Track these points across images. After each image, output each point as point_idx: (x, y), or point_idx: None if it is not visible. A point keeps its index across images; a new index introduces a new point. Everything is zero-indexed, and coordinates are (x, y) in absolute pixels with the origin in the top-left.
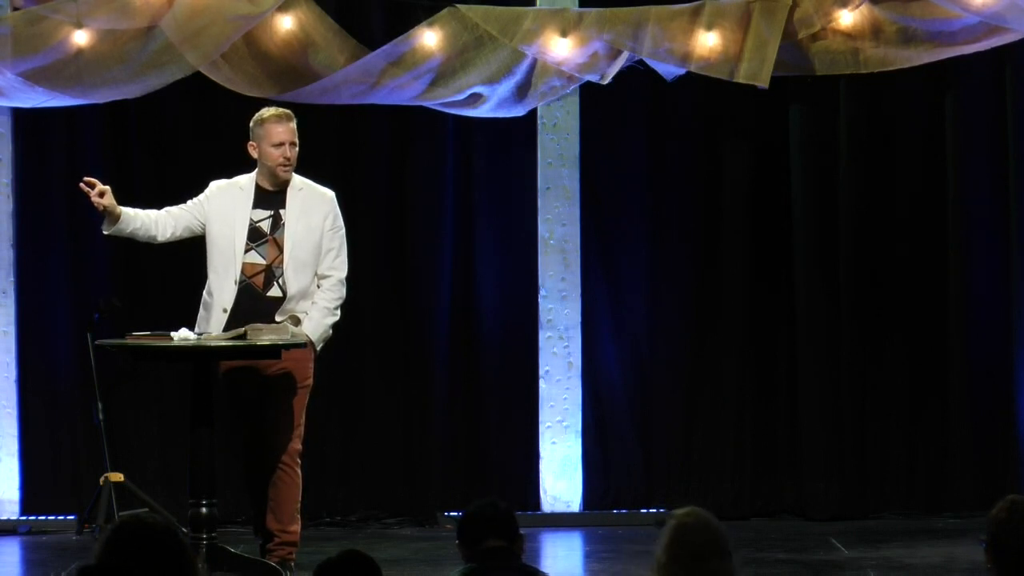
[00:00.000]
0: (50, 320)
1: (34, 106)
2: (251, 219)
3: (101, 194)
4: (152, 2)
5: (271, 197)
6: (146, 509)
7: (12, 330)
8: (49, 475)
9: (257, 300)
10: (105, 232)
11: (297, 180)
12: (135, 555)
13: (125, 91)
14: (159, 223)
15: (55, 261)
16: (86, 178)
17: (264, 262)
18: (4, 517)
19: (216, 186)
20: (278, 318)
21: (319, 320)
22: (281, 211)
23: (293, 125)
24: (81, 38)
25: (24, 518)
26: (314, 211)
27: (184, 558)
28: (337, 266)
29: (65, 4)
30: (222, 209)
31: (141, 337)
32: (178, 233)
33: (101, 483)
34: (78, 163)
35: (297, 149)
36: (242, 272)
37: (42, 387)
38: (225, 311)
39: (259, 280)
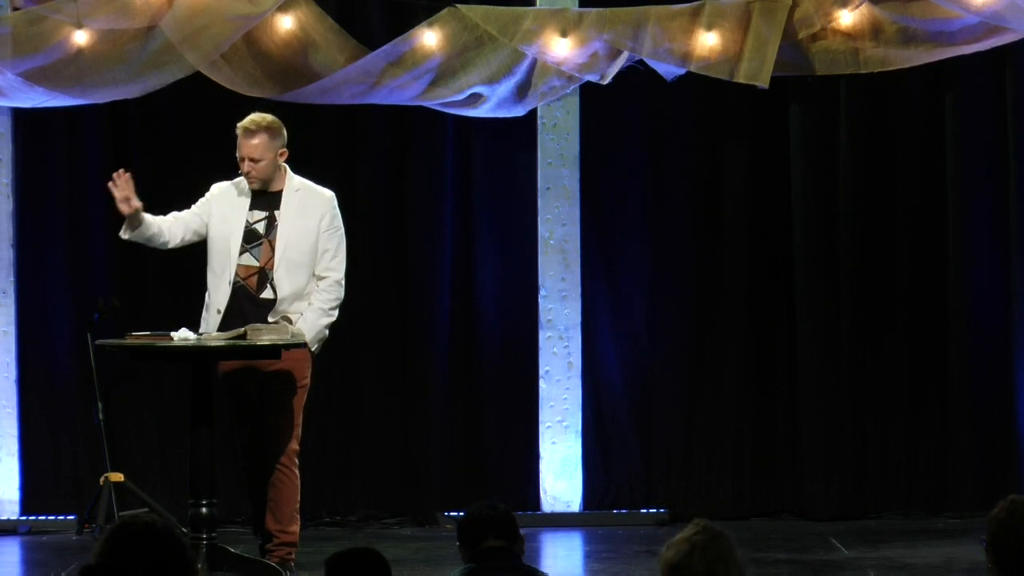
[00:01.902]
0: (50, 320)
1: (34, 106)
2: (248, 220)
3: (127, 199)
4: (152, 2)
5: (268, 198)
6: (146, 509)
7: (12, 330)
8: (49, 475)
9: (250, 302)
10: (124, 236)
11: (295, 181)
12: (135, 555)
13: (125, 91)
14: (171, 229)
15: (55, 261)
16: (119, 172)
17: (257, 264)
18: (4, 517)
19: (218, 187)
20: (270, 319)
21: (313, 321)
22: (276, 212)
23: (256, 140)
24: (81, 38)
25: (24, 518)
26: (310, 212)
27: (184, 558)
28: (334, 267)
29: (65, 4)
30: (222, 210)
31: (141, 337)
32: (187, 238)
33: (101, 483)
34: (78, 163)
35: (263, 163)
36: (236, 274)
37: (42, 387)
38: (219, 312)
39: (253, 282)
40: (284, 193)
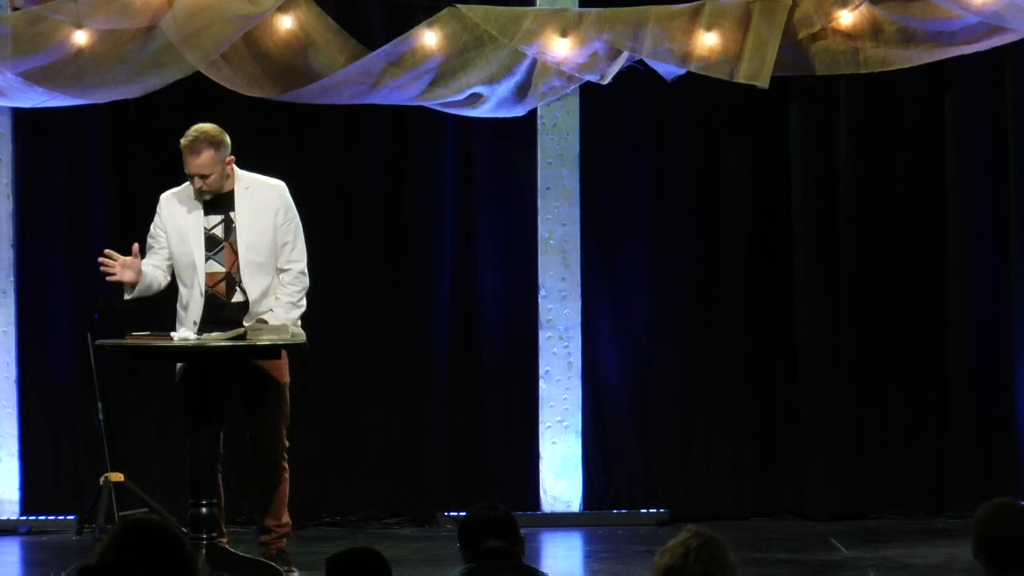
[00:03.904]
0: (50, 320)
1: (34, 106)
2: (204, 227)
3: (124, 266)
4: (152, 2)
5: (220, 200)
6: (146, 509)
7: (12, 330)
8: (49, 475)
9: (222, 308)
10: (127, 297)
11: (245, 178)
12: (136, 555)
13: (125, 91)
14: (155, 275)
15: (55, 261)
16: (106, 252)
17: (223, 269)
18: (4, 517)
19: (164, 198)
20: (245, 323)
21: (283, 316)
22: (231, 214)
23: (201, 158)
24: (81, 38)
25: (24, 518)
26: (265, 209)
27: (185, 559)
28: (296, 258)
29: (65, 4)
30: (176, 223)
31: (141, 337)
32: (170, 275)
33: (101, 483)
34: (78, 163)
35: (212, 177)
36: (206, 282)
37: (42, 387)
38: (195, 323)
39: (222, 288)
40: (236, 193)
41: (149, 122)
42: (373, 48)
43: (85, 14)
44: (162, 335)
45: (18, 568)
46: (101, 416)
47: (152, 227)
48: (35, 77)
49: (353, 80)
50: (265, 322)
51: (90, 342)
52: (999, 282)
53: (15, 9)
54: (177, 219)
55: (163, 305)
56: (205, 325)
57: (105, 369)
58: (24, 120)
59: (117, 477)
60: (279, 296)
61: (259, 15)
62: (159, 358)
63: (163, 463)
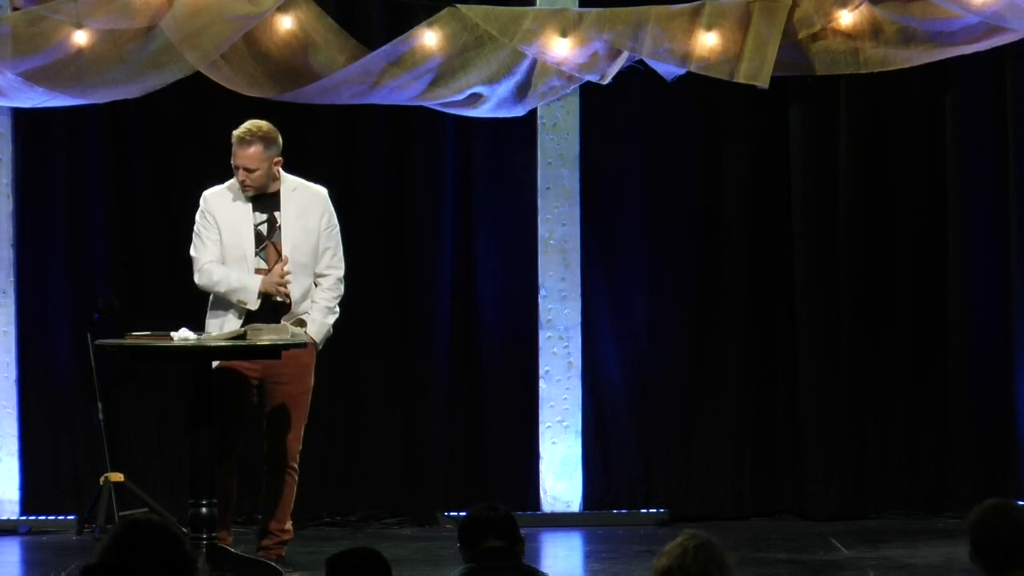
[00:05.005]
0: (50, 320)
1: (34, 106)
2: (253, 223)
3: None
4: (152, 2)
5: (266, 199)
6: (146, 509)
7: (12, 330)
8: (49, 475)
9: (264, 305)
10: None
11: (290, 181)
12: (137, 555)
13: (125, 91)
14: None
15: (55, 261)
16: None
17: (267, 267)
18: (4, 517)
19: (209, 194)
20: (284, 323)
21: (321, 320)
22: (276, 214)
23: (251, 150)
24: (81, 38)
25: (24, 518)
26: (310, 212)
27: (185, 559)
28: (335, 264)
29: (65, 4)
30: (227, 217)
31: (141, 337)
32: None
33: (101, 483)
34: (78, 163)
35: (258, 172)
36: None
37: (42, 387)
38: (239, 316)
39: None
40: (282, 194)
41: (149, 122)
42: (373, 48)
43: (85, 14)
44: (162, 335)
45: (18, 568)
46: (101, 416)
47: (197, 224)
48: (35, 77)
49: (353, 80)
50: (303, 323)
51: (90, 342)
52: (999, 282)
53: (15, 9)
54: (227, 212)
55: (163, 305)
56: (250, 317)
57: (105, 369)
58: (24, 120)
59: (117, 477)
60: (316, 300)
61: (259, 15)
62: (159, 358)
63: (163, 463)
